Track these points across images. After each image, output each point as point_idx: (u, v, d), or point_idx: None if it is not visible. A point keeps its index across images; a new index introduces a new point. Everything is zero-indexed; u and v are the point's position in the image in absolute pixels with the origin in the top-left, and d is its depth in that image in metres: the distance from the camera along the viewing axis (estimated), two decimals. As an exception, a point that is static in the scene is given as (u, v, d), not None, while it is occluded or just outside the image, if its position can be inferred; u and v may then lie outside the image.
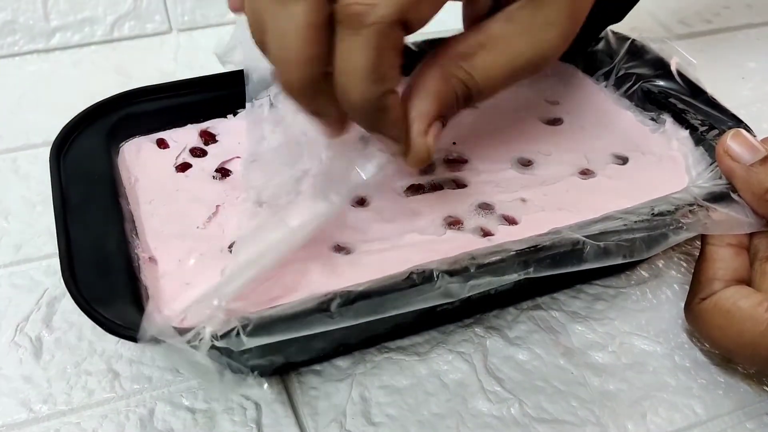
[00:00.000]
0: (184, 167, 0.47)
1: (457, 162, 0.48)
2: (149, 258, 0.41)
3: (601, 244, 0.39)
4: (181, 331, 0.34)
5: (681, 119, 0.50)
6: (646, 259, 0.50)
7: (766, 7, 0.49)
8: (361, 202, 0.45)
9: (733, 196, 0.42)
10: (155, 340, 0.34)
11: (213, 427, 0.41)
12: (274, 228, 0.39)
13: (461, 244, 0.42)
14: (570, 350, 0.45)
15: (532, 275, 0.38)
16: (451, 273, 0.37)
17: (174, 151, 0.48)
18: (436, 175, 0.48)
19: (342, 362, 0.44)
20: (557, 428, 0.41)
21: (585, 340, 0.46)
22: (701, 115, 0.49)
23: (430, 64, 0.38)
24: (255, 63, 0.47)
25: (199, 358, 0.34)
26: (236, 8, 0.38)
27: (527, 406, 0.42)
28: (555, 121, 0.52)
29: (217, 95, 0.50)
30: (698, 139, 0.48)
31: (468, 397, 0.43)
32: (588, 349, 0.45)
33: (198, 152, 0.48)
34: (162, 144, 0.48)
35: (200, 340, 0.34)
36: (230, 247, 0.42)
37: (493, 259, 0.38)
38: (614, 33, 0.55)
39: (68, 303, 0.45)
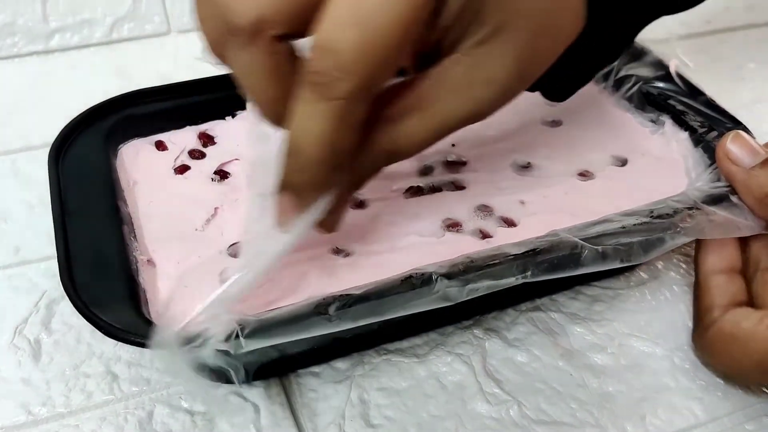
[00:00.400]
0: (182, 169, 0.47)
1: (455, 164, 0.48)
2: (147, 260, 0.41)
3: (599, 248, 0.39)
4: (187, 339, 0.34)
5: (680, 121, 0.50)
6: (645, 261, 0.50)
7: (766, 7, 0.49)
8: (360, 204, 0.45)
9: (733, 198, 0.42)
10: (166, 347, 0.34)
11: (212, 429, 0.41)
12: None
13: (460, 247, 0.42)
14: (569, 352, 0.45)
15: (530, 279, 0.38)
16: (450, 276, 0.37)
17: (172, 153, 0.48)
18: (435, 177, 0.48)
19: (341, 364, 0.44)
20: (556, 430, 0.41)
21: (584, 342, 0.46)
22: (701, 117, 0.49)
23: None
24: None
25: (207, 360, 0.34)
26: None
27: (526, 408, 0.42)
28: (554, 123, 0.52)
29: (216, 97, 0.50)
30: (697, 141, 0.48)
31: (467, 398, 0.42)
32: (587, 351, 0.45)
33: (196, 154, 0.48)
34: (160, 146, 0.48)
35: (205, 343, 0.34)
36: (229, 248, 0.42)
37: (492, 262, 0.38)
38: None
39: (67, 305, 0.45)
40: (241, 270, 0.37)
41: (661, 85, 0.52)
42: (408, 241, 0.43)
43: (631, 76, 0.53)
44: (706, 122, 0.49)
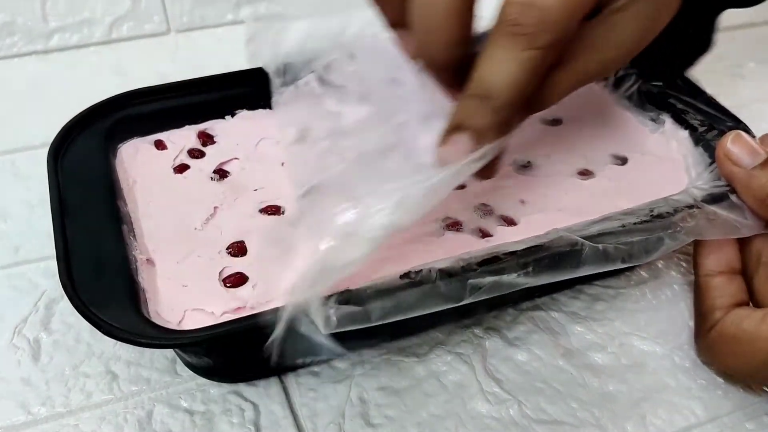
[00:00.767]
0: (181, 168, 0.47)
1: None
2: (147, 260, 0.41)
3: (600, 246, 0.38)
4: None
5: (680, 119, 0.50)
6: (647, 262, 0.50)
7: (766, 7, 0.49)
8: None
9: (732, 198, 0.42)
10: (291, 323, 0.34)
11: (211, 428, 0.41)
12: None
13: (460, 245, 0.42)
14: (569, 351, 0.45)
15: (530, 280, 0.38)
16: (451, 274, 0.37)
17: (172, 153, 0.48)
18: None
19: (340, 363, 0.44)
20: (556, 429, 0.41)
21: (584, 341, 0.45)
22: (701, 116, 0.49)
23: None
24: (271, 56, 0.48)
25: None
26: None
27: (526, 408, 0.42)
28: (554, 122, 0.52)
29: (215, 96, 0.50)
30: (698, 140, 0.48)
31: (467, 398, 0.42)
32: (587, 350, 0.45)
33: (196, 153, 0.48)
34: (160, 145, 0.48)
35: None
36: (228, 248, 0.42)
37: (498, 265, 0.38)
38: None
39: (66, 305, 0.45)
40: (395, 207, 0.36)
41: (661, 83, 0.52)
42: (407, 239, 0.43)
43: (631, 74, 0.53)
44: (707, 121, 0.48)
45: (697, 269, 0.43)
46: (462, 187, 0.46)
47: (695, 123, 0.49)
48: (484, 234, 0.43)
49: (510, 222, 0.44)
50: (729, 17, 0.50)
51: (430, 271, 0.37)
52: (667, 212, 0.41)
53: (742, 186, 0.41)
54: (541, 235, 0.40)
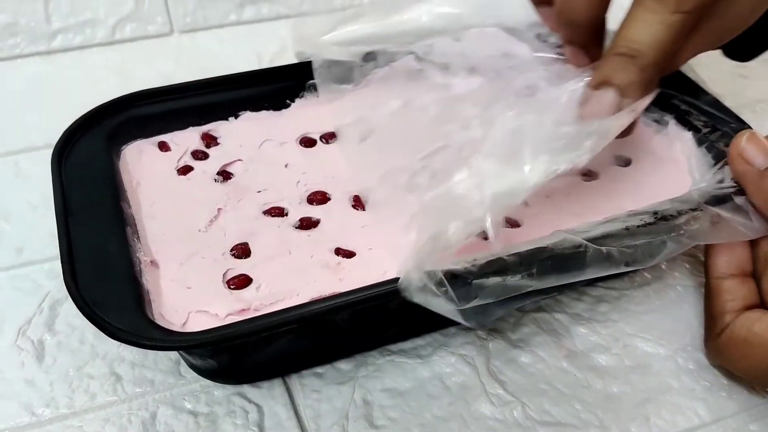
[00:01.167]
0: (185, 170, 0.47)
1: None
2: (151, 261, 0.41)
3: (604, 249, 0.38)
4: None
5: (684, 121, 0.49)
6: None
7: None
8: (362, 205, 0.45)
9: (737, 200, 0.41)
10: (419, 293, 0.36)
11: (215, 430, 0.41)
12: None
13: (464, 246, 0.42)
14: (573, 353, 0.45)
15: (534, 283, 0.38)
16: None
17: (175, 154, 0.48)
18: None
19: (344, 365, 0.44)
20: (560, 431, 0.41)
21: (588, 343, 0.45)
22: (704, 117, 0.49)
23: None
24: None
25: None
26: None
27: (530, 409, 0.42)
28: (557, 123, 0.52)
29: (219, 98, 0.50)
30: (701, 141, 0.48)
31: (471, 400, 0.42)
32: (591, 352, 0.45)
33: (199, 155, 0.48)
34: (163, 147, 0.48)
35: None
36: (232, 250, 0.42)
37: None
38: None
39: (70, 306, 0.45)
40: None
41: (664, 84, 0.51)
42: (410, 241, 0.43)
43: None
44: (710, 122, 0.48)
45: (708, 271, 0.43)
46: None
47: (699, 124, 0.49)
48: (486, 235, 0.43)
49: (513, 223, 0.44)
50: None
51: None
52: (671, 215, 0.41)
53: (754, 186, 0.41)
54: (544, 237, 0.40)
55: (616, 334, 0.46)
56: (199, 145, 0.49)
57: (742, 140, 0.42)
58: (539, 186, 0.37)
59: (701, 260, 0.50)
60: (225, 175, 0.47)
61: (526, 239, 0.40)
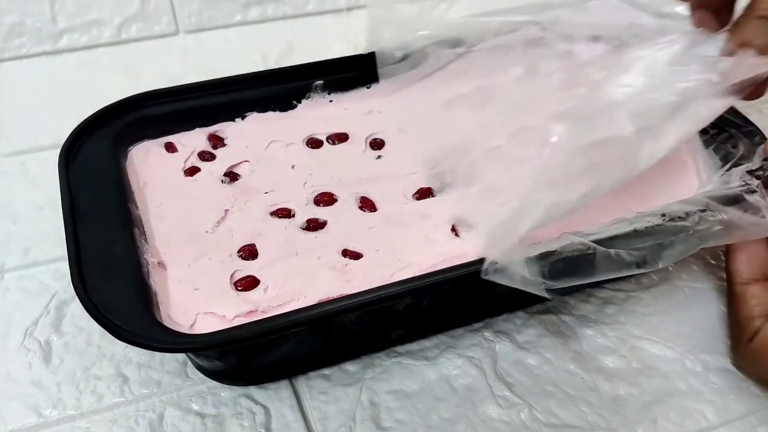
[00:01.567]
0: (192, 171, 0.47)
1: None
2: (158, 263, 0.41)
3: (612, 251, 0.38)
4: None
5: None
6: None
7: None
8: (370, 207, 0.45)
9: (749, 198, 0.41)
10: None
11: (222, 431, 0.41)
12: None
13: (469, 248, 0.42)
14: (580, 355, 0.45)
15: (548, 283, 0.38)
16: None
17: (182, 155, 0.48)
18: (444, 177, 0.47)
19: (351, 367, 0.44)
20: (567, 433, 0.41)
21: (595, 345, 0.45)
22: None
23: None
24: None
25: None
26: None
27: (537, 411, 0.42)
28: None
29: (225, 99, 0.50)
30: (708, 143, 0.48)
31: (478, 402, 0.42)
32: (598, 354, 0.45)
33: (206, 156, 0.48)
34: (170, 148, 0.48)
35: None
36: (239, 251, 0.42)
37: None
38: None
39: (77, 307, 0.45)
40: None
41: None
42: (417, 242, 0.43)
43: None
44: (717, 123, 0.48)
45: (731, 277, 0.43)
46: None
47: (706, 126, 0.48)
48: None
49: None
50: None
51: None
52: (679, 216, 0.41)
53: None
54: (552, 240, 0.40)
55: (623, 336, 0.46)
56: (205, 146, 0.49)
57: None
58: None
59: (710, 262, 0.50)
60: (232, 176, 0.47)
61: (534, 242, 0.40)
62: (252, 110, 0.51)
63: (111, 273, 0.39)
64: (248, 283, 0.40)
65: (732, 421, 0.42)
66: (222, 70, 0.52)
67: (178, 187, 0.46)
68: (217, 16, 0.69)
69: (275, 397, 0.42)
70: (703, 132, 0.48)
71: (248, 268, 0.41)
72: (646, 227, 0.40)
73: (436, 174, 0.47)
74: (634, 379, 0.44)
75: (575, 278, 0.39)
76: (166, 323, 0.37)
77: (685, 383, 0.44)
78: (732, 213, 0.41)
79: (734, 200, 0.42)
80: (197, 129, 0.50)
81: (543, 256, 0.38)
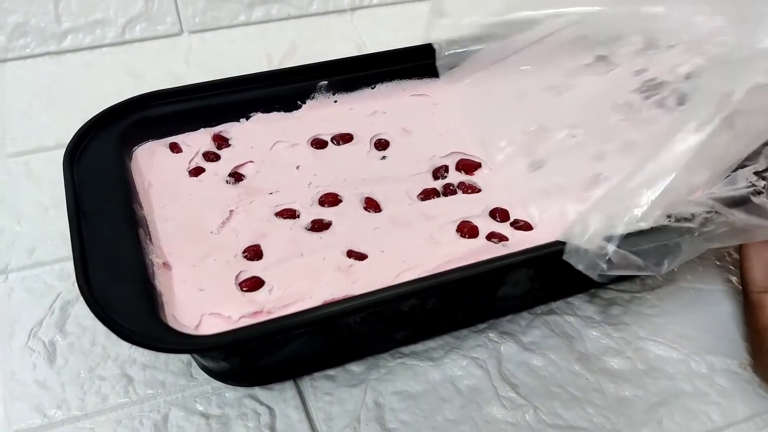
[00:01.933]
0: (197, 171, 0.47)
1: (470, 165, 0.48)
2: (163, 263, 0.41)
3: (621, 251, 0.38)
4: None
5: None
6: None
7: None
8: (375, 207, 0.45)
9: (755, 200, 0.41)
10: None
11: (227, 432, 0.41)
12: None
13: (475, 249, 0.42)
14: (585, 356, 0.45)
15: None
16: None
17: (187, 156, 0.48)
18: (450, 179, 0.47)
19: (355, 367, 0.44)
20: (573, 435, 0.41)
21: (600, 346, 0.45)
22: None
23: None
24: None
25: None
26: None
27: (542, 413, 0.42)
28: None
29: (230, 99, 0.50)
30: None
31: (482, 403, 0.42)
32: (603, 355, 0.45)
33: (211, 156, 0.48)
34: (175, 148, 0.48)
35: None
36: (244, 252, 0.42)
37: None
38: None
39: (81, 307, 0.45)
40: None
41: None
42: (422, 243, 0.43)
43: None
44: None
45: (747, 286, 0.43)
46: (478, 190, 0.46)
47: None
48: (500, 238, 0.43)
49: (526, 227, 0.44)
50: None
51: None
52: (685, 217, 0.41)
53: None
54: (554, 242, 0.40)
55: (628, 338, 0.46)
56: (210, 146, 0.49)
57: None
58: None
59: (715, 264, 0.50)
60: (237, 176, 0.47)
61: (537, 242, 0.40)
62: (257, 110, 0.51)
63: (116, 273, 0.38)
64: (253, 284, 0.40)
65: (737, 423, 0.42)
66: (226, 70, 0.52)
67: (183, 188, 0.46)
68: (221, 16, 0.69)
69: (280, 397, 0.42)
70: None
71: (253, 268, 0.41)
72: (652, 228, 0.40)
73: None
74: (639, 381, 0.44)
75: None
76: (171, 324, 0.37)
77: (691, 385, 0.44)
78: (738, 215, 0.41)
79: (740, 202, 0.41)
80: (202, 129, 0.50)
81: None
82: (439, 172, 0.48)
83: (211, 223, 0.44)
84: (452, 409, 0.42)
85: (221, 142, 0.49)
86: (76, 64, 0.65)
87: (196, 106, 0.49)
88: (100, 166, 0.45)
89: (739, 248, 0.44)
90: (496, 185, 0.47)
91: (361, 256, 0.42)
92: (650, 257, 0.38)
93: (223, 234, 0.43)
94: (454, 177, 0.48)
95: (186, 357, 0.44)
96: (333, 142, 0.50)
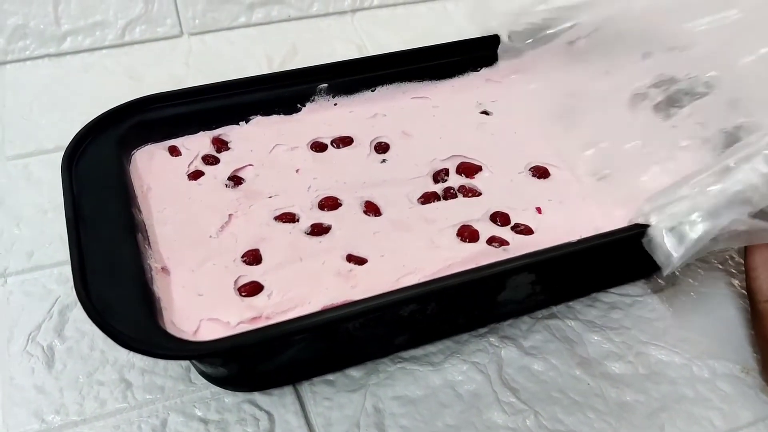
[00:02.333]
0: (196, 175, 0.47)
1: (470, 168, 0.48)
2: (162, 268, 0.41)
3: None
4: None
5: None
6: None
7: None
8: (374, 211, 0.45)
9: None
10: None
11: (226, 438, 0.41)
12: None
13: (475, 253, 0.41)
14: (586, 360, 0.44)
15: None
16: None
17: (186, 159, 0.48)
18: (450, 182, 0.47)
19: (355, 372, 0.44)
20: (574, 441, 0.41)
21: (601, 350, 0.45)
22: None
23: None
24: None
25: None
26: None
27: (543, 418, 0.42)
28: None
29: (229, 102, 0.50)
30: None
31: (483, 408, 0.42)
32: (604, 360, 0.45)
33: (210, 160, 0.48)
34: (174, 151, 0.48)
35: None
36: (243, 256, 0.42)
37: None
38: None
39: (80, 312, 0.45)
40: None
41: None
42: (422, 247, 0.42)
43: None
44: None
45: (754, 295, 0.43)
46: (478, 194, 0.46)
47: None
48: (501, 242, 0.43)
49: (526, 231, 0.44)
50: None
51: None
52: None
53: None
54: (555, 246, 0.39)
55: (629, 342, 0.45)
56: (209, 149, 0.49)
57: None
58: None
59: (717, 267, 0.50)
60: (236, 180, 0.47)
61: (538, 247, 0.40)
62: (256, 113, 0.50)
63: (114, 278, 0.38)
64: (252, 289, 0.40)
65: (740, 429, 0.42)
66: (226, 72, 0.52)
67: (182, 191, 0.46)
68: (221, 18, 0.69)
69: (279, 403, 0.42)
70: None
71: (252, 273, 0.41)
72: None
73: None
74: (641, 386, 0.43)
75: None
76: (170, 329, 0.37)
77: (693, 390, 0.43)
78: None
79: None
80: (201, 132, 0.49)
81: None
82: (439, 176, 0.48)
83: (210, 227, 0.43)
84: (452, 415, 0.42)
85: (221, 145, 0.49)
86: (76, 67, 0.65)
87: (196, 109, 0.49)
88: (98, 169, 0.45)
89: (745, 257, 0.44)
90: (497, 188, 0.47)
91: (360, 261, 0.42)
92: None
93: (222, 238, 0.43)
94: (455, 180, 0.47)
95: (185, 362, 0.44)
96: (333, 146, 0.50)
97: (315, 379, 0.43)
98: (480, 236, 0.43)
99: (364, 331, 0.41)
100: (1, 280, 0.48)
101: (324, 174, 0.47)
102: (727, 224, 0.39)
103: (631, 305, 0.48)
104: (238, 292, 0.40)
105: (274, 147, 0.49)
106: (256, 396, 0.42)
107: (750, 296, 0.43)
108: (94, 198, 0.43)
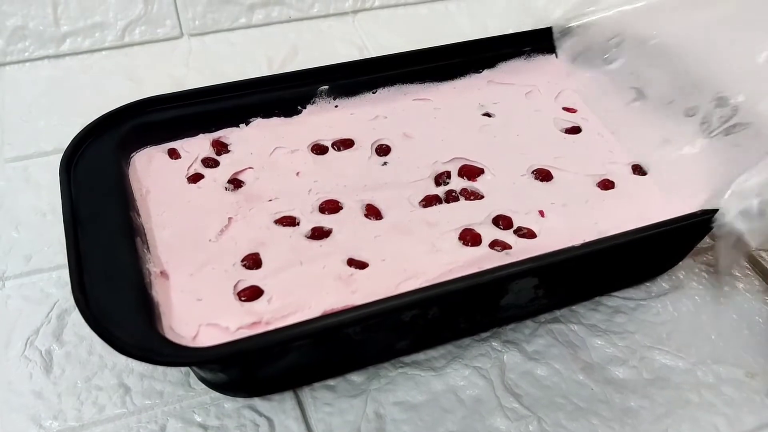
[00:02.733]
0: (196, 178, 0.46)
1: (472, 171, 0.47)
2: (161, 272, 0.40)
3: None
4: None
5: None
6: (668, 269, 0.49)
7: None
8: (375, 214, 0.44)
9: None
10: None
11: (225, 444, 0.40)
12: None
13: (477, 257, 0.41)
14: (589, 365, 0.44)
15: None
16: None
17: (186, 162, 0.47)
18: (452, 185, 0.47)
19: (356, 377, 0.43)
20: (577, 447, 0.40)
21: (605, 355, 0.45)
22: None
23: None
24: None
25: None
26: None
27: (546, 424, 0.41)
28: (573, 130, 0.51)
29: (229, 104, 0.49)
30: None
31: (485, 414, 0.42)
32: (608, 364, 0.44)
33: (210, 162, 0.47)
34: (173, 154, 0.48)
35: None
36: (243, 260, 0.41)
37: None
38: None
39: (79, 316, 0.43)
40: None
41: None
42: (423, 251, 0.42)
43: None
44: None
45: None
46: (480, 196, 0.46)
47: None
48: (503, 246, 0.42)
49: (529, 234, 0.43)
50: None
51: None
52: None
53: None
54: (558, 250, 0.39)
55: (633, 346, 0.45)
56: (209, 152, 0.48)
57: None
58: None
59: (720, 271, 0.49)
60: (236, 183, 0.46)
61: (541, 250, 0.40)
62: (256, 116, 0.50)
63: (112, 283, 0.38)
64: (252, 293, 0.40)
65: (745, 434, 0.41)
66: (226, 74, 0.52)
67: (181, 195, 0.45)
68: (222, 19, 0.68)
69: (279, 408, 0.42)
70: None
71: (252, 277, 0.41)
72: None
73: None
74: (645, 391, 0.43)
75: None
76: (168, 335, 0.36)
77: (697, 395, 0.43)
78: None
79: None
80: (201, 135, 0.49)
81: None
82: (441, 178, 0.47)
83: (209, 230, 0.43)
84: (454, 420, 0.41)
85: (220, 147, 0.48)
86: (76, 68, 0.65)
87: (195, 111, 0.49)
88: (97, 172, 0.44)
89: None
90: (499, 191, 0.46)
91: (361, 265, 0.41)
92: None
93: (222, 242, 0.43)
94: (457, 183, 0.47)
95: (184, 368, 0.43)
96: (333, 148, 0.49)
97: (315, 385, 0.43)
98: (482, 240, 0.43)
99: (365, 335, 0.41)
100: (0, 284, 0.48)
101: (324, 177, 0.47)
102: None
103: (635, 309, 0.47)
104: (237, 297, 0.39)
105: (274, 149, 0.48)
106: (256, 401, 0.42)
107: None
108: (93, 201, 0.42)
